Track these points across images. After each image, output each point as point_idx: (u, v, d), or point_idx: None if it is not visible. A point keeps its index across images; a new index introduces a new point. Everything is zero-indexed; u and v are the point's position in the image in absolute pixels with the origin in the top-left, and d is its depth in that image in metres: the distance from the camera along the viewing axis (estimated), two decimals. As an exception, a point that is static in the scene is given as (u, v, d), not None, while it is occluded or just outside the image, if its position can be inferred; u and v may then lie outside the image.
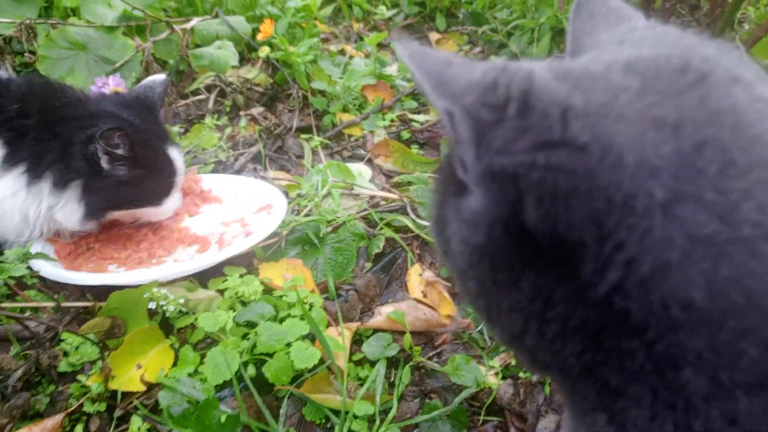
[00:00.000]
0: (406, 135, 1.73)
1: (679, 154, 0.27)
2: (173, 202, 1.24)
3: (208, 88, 1.84)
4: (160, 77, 1.30)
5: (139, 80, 1.71)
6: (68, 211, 1.11)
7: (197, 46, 1.87)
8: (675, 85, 0.30)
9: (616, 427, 0.30)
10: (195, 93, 1.83)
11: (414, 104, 1.90)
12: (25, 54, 1.66)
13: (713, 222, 0.26)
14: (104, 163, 1.09)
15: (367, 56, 2.16)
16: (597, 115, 0.29)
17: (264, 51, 1.80)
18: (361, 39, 2.37)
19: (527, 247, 0.30)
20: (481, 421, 0.94)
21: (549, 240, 0.29)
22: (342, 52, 2.19)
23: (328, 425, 0.93)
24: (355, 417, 0.91)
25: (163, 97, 1.29)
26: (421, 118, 1.83)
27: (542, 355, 0.33)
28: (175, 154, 1.23)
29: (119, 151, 1.08)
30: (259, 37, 1.80)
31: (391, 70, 2.04)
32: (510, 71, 0.31)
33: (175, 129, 1.59)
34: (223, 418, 0.82)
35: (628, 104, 0.29)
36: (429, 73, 0.31)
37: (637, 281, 0.27)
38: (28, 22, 1.67)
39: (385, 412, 0.93)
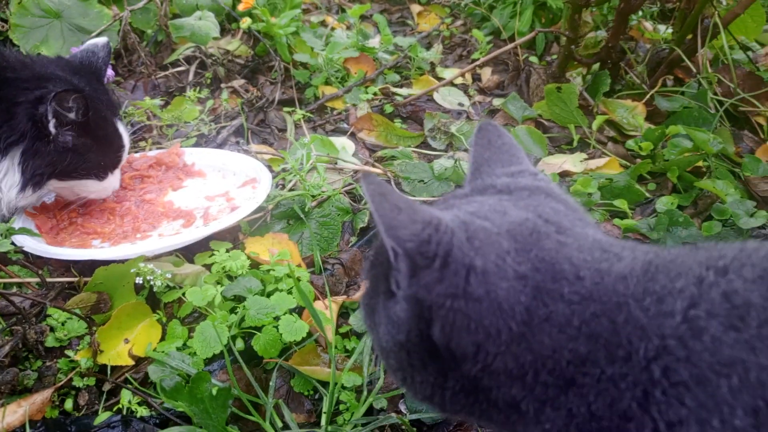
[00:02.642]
0: (389, 109, 1.73)
1: (526, 300, 0.43)
2: (114, 181, 1.20)
3: (188, 60, 1.81)
4: (101, 40, 1.23)
5: (116, 51, 1.68)
6: (7, 179, 1.05)
7: (176, 16, 1.83)
8: (527, 245, 0.45)
9: None
10: (174, 64, 1.80)
11: (397, 77, 1.90)
12: (-3, 22, 1.60)
13: (523, 328, 0.43)
14: (52, 126, 1.04)
15: (348, 28, 2.13)
16: (491, 274, 0.43)
17: (245, 22, 1.77)
18: (343, 10, 2.34)
19: (433, 348, 0.46)
20: (465, 391, 0.97)
21: (445, 350, 0.45)
22: (323, 23, 2.16)
23: (317, 396, 0.95)
24: (344, 388, 0.93)
25: (107, 61, 1.23)
26: (404, 91, 1.83)
27: (450, 407, 0.49)
28: (122, 128, 1.18)
29: (71, 116, 1.03)
30: (240, 7, 1.77)
31: (374, 42, 2.03)
32: (440, 231, 0.44)
33: (156, 101, 1.56)
34: (214, 391, 0.83)
35: (509, 265, 0.44)
36: (383, 216, 0.43)
37: (492, 370, 0.44)
38: (-2, -12, 1.62)
39: (372, 383, 0.95)
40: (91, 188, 1.17)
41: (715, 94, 1.58)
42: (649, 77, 1.72)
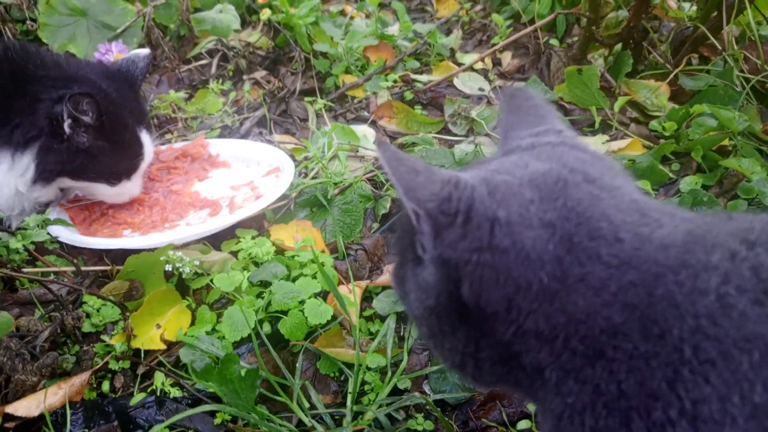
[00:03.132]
0: (409, 96, 1.73)
1: (554, 248, 0.42)
2: (132, 187, 1.20)
3: (210, 53, 1.83)
4: (143, 52, 1.26)
5: (141, 46, 1.71)
6: (24, 171, 1.07)
7: (197, 10, 1.86)
8: (552, 193, 0.44)
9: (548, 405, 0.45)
10: (197, 58, 1.83)
11: (416, 64, 1.90)
12: (27, 22, 1.65)
13: (556, 284, 0.42)
14: (67, 126, 1.06)
15: (367, 17, 2.14)
16: (515, 224, 0.43)
17: (265, 13, 1.79)
18: (362, -1, 2.35)
19: (462, 310, 0.45)
20: (487, 371, 0.99)
21: (475, 308, 0.44)
22: (342, 12, 2.17)
23: (342, 378, 0.97)
24: (368, 369, 0.95)
25: (145, 72, 1.26)
26: (423, 78, 1.83)
27: (483, 378, 0.49)
28: (146, 138, 1.19)
29: (85, 118, 1.05)
30: (260, -1, 1.79)
31: (393, 30, 2.03)
32: (460, 187, 0.44)
33: (180, 94, 1.60)
34: (243, 372, 0.86)
35: (533, 214, 0.43)
36: (401, 179, 0.44)
37: (524, 331, 0.43)
38: (27, -12, 1.66)
39: (395, 364, 0.97)
40: (102, 192, 1.18)
41: (742, 71, 1.55)
42: (673, 56, 1.69)
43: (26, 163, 1.07)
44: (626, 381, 0.39)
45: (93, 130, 1.07)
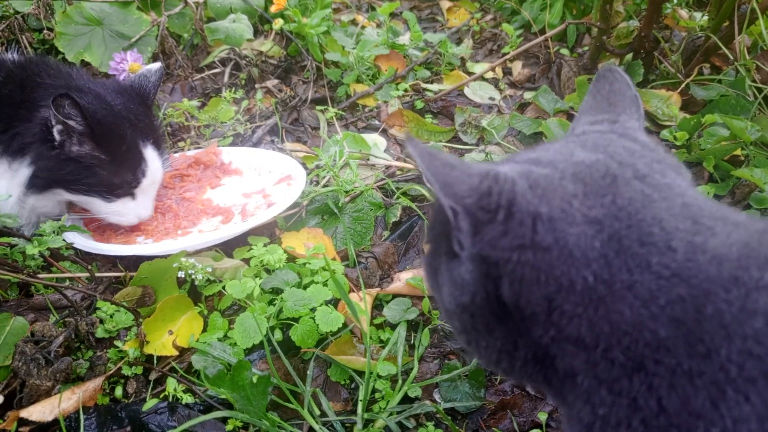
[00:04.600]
0: (419, 104, 1.74)
1: (601, 246, 0.40)
2: (137, 207, 1.15)
3: (223, 62, 1.85)
4: (155, 66, 1.25)
5: (155, 55, 1.74)
6: (20, 177, 1.05)
7: (210, 19, 1.88)
8: (600, 189, 0.42)
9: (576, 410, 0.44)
10: (210, 67, 1.85)
11: (427, 73, 1.91)
12: (43, 31, 1.68)
13: (602, 288, 0.40)
14: (56, 132, 1.04)
15: (378, 26, 2.15)
16: (558, 221, 0.41)
17: (278, 23, 1.81)
18: (373, 9, 2.36)
19: (500, 310, 0.43)
20: (498, 380, 0.98)
21: (515, 308, 0.42)
22: (354, 22, 2.19)
23: (353, 385, 0.97)
24: (379, 377, 0.95)
25: (158, 86, 1.24)
26: (434, 87, 1.84)
27: (515, 375, 0.47)
28: (151, 154, 1.15)
29: (72, 123, 1.02)
30: (273, 9, 1.81)
31: (404, 39, 2.04)
32: (500, 181, 0.41)
33: (193, 103, 1.61)
34: (255, 379, 0.86)
35: (577, 209, 0.41)
36: (436, 174, 0.41)
37: (563, 336, 0.41)
38: (44, -1, 1.69)
39: (406, 372, 0.97)
40: (99, 208, 1.13)
41: (754, 81, 1.54)
42: (684, 66, 1.69)
43: (23, 170, 1.07)
44: (668, 398, 0.37)
45: (85, 138, 1.05)
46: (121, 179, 1.11)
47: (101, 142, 1.07)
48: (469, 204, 0.41)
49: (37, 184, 1.08)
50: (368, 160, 1.45)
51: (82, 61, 1.66)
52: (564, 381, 0.43)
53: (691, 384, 0.37)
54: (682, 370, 0.37)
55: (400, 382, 0.95)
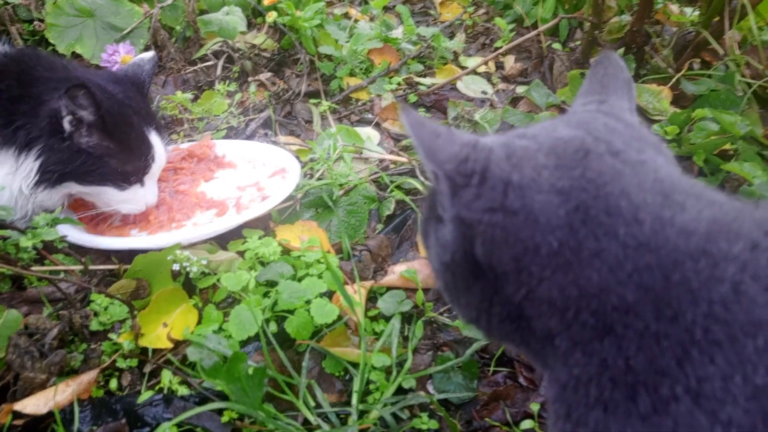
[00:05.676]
0: (413, 98, 1.75)
1: (566, 215, 0.42)
2: (146, 194, 1.16)
3: (216, 55, 1.85)
4: (148, 55, 1.26)
5: (147, 47, 1.73)
6: (27, 174, 1.06)
7: (203, 11, 1.87)
8: (571, 162, 0.44)
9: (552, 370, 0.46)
10: (203, 59, 1.84)
11: (420, 67, 1.91)
12: (34, 22, 1.66)
13: (569, 254, 0.42)
14: (66, 123, 1.04)
15: (372, 19, 2.15)
16: (527, 188, 0.44)
17: (271, 16, 1.81)
18: (366, 2, 2.36)
19: (476, 268, 0.47)
20: (491, 372, 0.99)
21: (488, 267, 0.46)
22: (347, 15, 2.19)
23: (347, 377, 0.98)
24: (373, 368, 0.96)
25: (152, 74, 1.24)
26: (427, 81, 1.84)
27: (494, 333, 0.50)
28: (156, 140, 1.16)
29: (84, 113, 1.03)
30: (266, 1, 1.80)
31: (397, 33, 2.04)
32: (478, 149, 0.45)
33: (186, 95, 1.61)
34: (250, 371, 0.87)
35: (546, 179, 0.44)
36: (423, 141, 0.46)
37: (535, 296, 0.44)
38: (34, -11, 1.68)
39: (400, 364, 0.98)
40: (112, 197, 1.14)
41: (743, 76, 1.56)
42: (675, 61, 1.70)
43: (29, 164, 1.06)
44: (635, 357, 0.40)
45: (95, 128, 1.06)
46: (133, 166, 1.13)
47: (112, 131, 1.08)
48: (449, 169, 0.45)
49: (48, 179, 1.07)
50: (362, 153, 1.46)
51: (73, 53, 1.65)
52: (544, 344, 0.46)
53: (658, 345, 0.39)
54: (649, 332, 0.40)
55: (394, 373, 0.96)
